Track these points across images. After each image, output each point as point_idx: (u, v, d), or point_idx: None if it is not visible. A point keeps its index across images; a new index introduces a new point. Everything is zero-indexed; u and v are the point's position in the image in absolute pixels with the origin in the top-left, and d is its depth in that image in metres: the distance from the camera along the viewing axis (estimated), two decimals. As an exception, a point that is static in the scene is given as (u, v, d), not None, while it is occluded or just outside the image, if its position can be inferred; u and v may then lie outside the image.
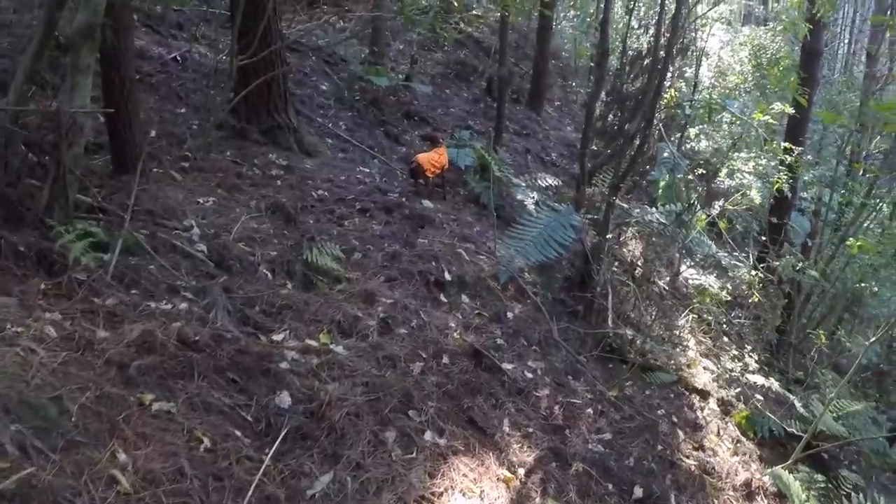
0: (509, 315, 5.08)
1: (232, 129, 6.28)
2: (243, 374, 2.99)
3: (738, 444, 5.55)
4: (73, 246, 3.20)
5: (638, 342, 5.86)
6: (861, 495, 4.93)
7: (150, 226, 4.06)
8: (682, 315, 6.86)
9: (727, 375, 6.25)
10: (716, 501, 4.52)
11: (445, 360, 4.03)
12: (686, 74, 10.13)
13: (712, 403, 5.88)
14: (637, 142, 6.36)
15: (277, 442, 2.70)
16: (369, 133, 7.96)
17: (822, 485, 4.91)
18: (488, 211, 6.55)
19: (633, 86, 8.44)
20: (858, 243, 6.17)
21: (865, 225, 8.32)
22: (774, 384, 5.68)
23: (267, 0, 5.88)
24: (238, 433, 2.66)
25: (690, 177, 8.39)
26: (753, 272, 6.94)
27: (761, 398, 5.79)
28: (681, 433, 5.05)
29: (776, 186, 6.93)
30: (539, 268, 5.98)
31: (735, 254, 7.69)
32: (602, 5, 10.32)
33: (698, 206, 6.89)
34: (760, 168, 7.34)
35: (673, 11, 6.18)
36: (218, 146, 5.90)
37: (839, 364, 8.06)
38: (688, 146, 9.72)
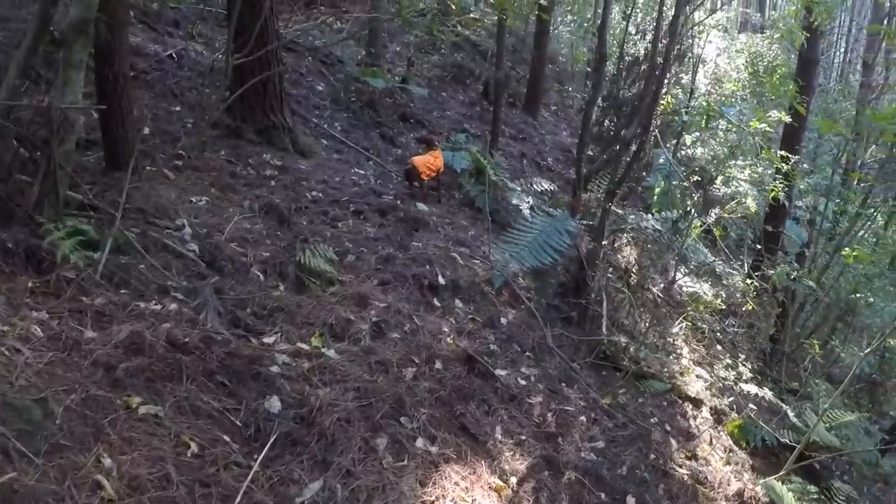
0: (503, 320, 5.04)
1: (227, 129, 6.23)
2: (233, 378, 2.95)
3: (731, 454, 5.54)
4: (61, 244, 3.14)
5: (632, 350, 5.84)
6: (854, 507, 4.92)
7: (142, 224, 4.00)
8: (676, 323, 6.84)
9: (720, 384, 6.24)
10: (708, 511, 4.50)
11: (438, 365, 3.99)
12: (682, 81, 10.13)
13: (705, 412, 5.86)
14: (633, 148, 6.34)
15: (266, 448, 2.65)
16: (364, 135, 7.92)
17: (815, 496, 4.90)
18: (483, 215, 6.52)
19: (629, 91, 8.44)
20: (854, 253, 6.17)
21: (860, 234, 8.32)
22: (768, 394, 5.66)
23: (264, -1, 5.85)
24: (226, 438, 2.61)
25: (686, 184, 8.39)
26: (748, 280, 6.93)
27: (755, 408, 5.77)
28: (674, 442, 5.03)
29: (772, 195, 6.93)
30: (533, 273, 5.95)
31: (730, 262, 7.69)
32: (600, 11, 10.32)
33: (694, 214, 6.88)
34: (756, 176, 7.34)
35: (670, 18, 6.18)
36: (212, 145, 5.85)
37: (832, 374, 8.06)
38: (683, 153, 9.72)
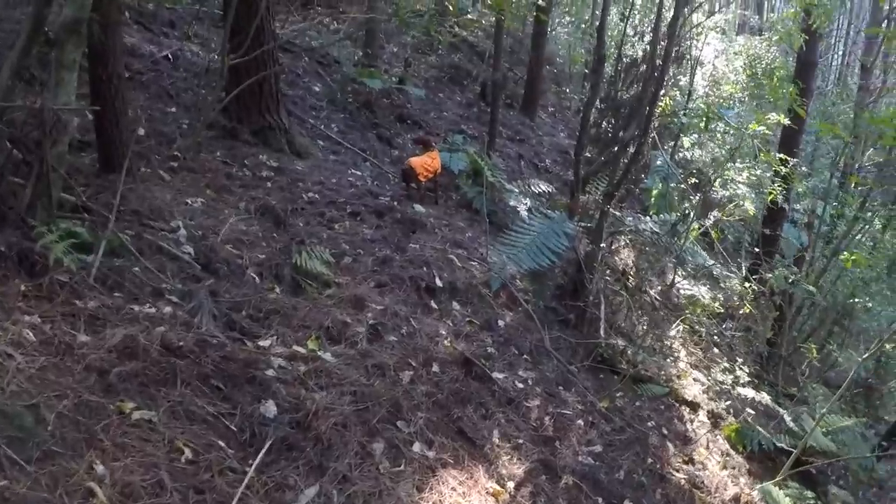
0: (500, 323, 5.02)
1: (222, 129, 6.19)
2: (228, 382, 2.91)
3: (727, 458, 5.52)
4: (54, 246, 3.10)
5: (629, 353, 5.82)
6: (851, 513, 4.92)
7: (136, 226, 3.96)
8: (674, 326, 6.83)
9: (718, 388, 6.23)
10: (705, 516, 4.48)
11: (435, 368, 3.96)
12: (680, 83, 10.12)
13: (702, 415, 5.85)
14: (632, 149, 6.33)
15: (262, 453, 2.62)
16: (361, 136, 7.89)
17: (812, 501, 4.89)
18: (480, 216, 6.50)
19: (627, 93, 8.43)
20: (853, 257, 6.16)
21: (858, 238, 8.32)
22: (765, 398, 5.65)
23: (260, -1, 5.81)
24: (221, 443, 2.57)
25: (683, 186, 8.38)
26: (746, 284, 6.92)
27: (752, 412, 5.76)
28: (671, 446, 5.01)
29: (770, 197, 6.91)
30: (531, 275, 5.93)
31: (727, 265, 7.68)
32: (598, 12, 10.31)
33: (693, 216, 6.87)
34: (754, 178, 7.33)
35: (669, 19, 6.16)
36: (208, 146, 5.81)
37: (828, 378, 8.07)
38: (680, 155, 9.71)
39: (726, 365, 6.57)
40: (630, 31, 10.10)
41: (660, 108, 7.45)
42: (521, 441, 3.86)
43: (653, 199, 8.77)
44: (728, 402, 6.08)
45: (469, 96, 10.82)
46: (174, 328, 3.06)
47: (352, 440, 2.92)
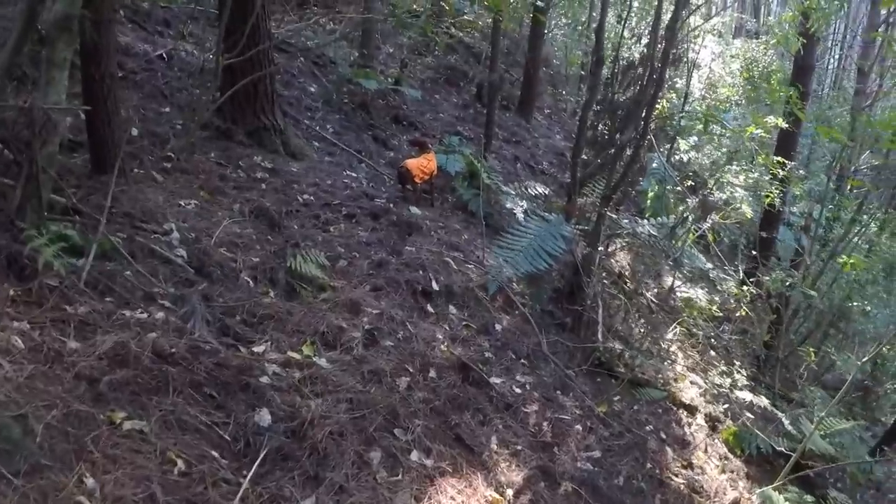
0: (497, 327, 4.97)
1: (217, 130, 6.12)
2: (221, 390, 2.85)
3: (726, 462, 5.50)
4: (44, 250, 3.03)
5: (627, 356, 5.78)
6: (851, 517, 4.89)
7: (128, 229, 3.88)
8: (671, 329, 6.80)
9: (715, 391, 6.20)
10: (705, 522, 4.45)
11: (432, 374, 3.91)
12: (677, 85, 10.10)
13: (700, 419, 5.82)
14: (629, 152, 6.29)
15: (256, 464, 2.56)
16: (357, 137, 7.83)
17: (812, 505, 4.86)
18: (477, 219, 6.45)
19: (624, 95, 8.39)
20: (851, 261, 6.14)
21: (854, 241, 8.32)
22: (764, 402, 5.62)
23: (255, -2, 5.74)
24: (215, 454, 2.51)
25: (679, 188, 8.35)
26: (743, 287, 6.90)
27: (751, 416, 5.73)
28: (669, 450, 4.98)
29: (767, 200, 6.89)
30: (528, 278, 5.88)
31: (724, 267, 7.65)
32: (596, 13, 10.28)
33: (692, 219, 6.84)
34: (751, 181, 7.31)
35: (667, 21, 6.13)
36: (202, 147, 5.73)
37: (824, 380, 8.06)
38: (676, 157, 9.68)
39: (724, 368, 6.54)
40: (627, 34, 10.08)
41: (657, 111, 7.42)
42: (519, 447, 3.82)
43: (649, 202, 8.75)
44: (726, 406, 6.05)
45: (465, 98, 10.77)
46: (166, 334, 2.99)
47: (348, 449, 2.86)
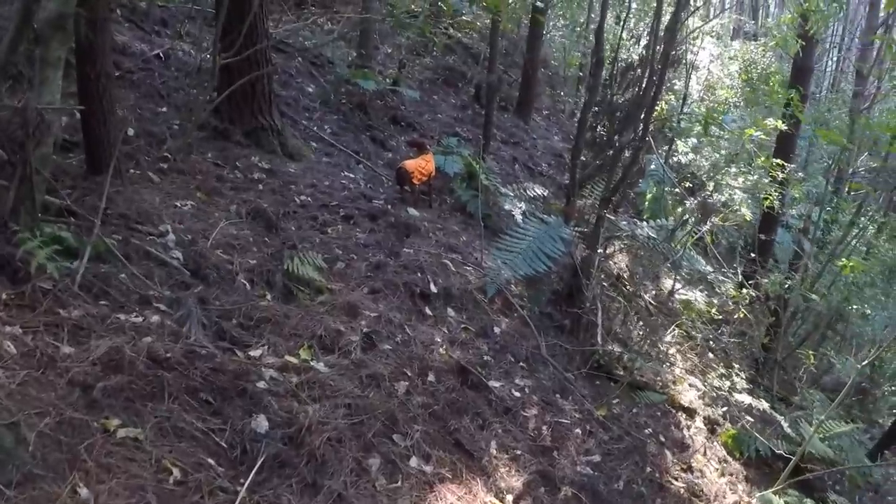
0: (496, 330, 4.94)
1: (214, 130, 6.07)
2: (217, 395, 2.80)
3: (725, 465, 5.48)
4: (37, 252, 2.97)
5: (626, 359, 5.75)
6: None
7: (123, 230, 3.84)
8: (669, 331, 6.78)
9: (714, 393, 6.18)
10: (705, 527, 4.43)
11: (431, 377, 3.88)
12: (675, 87, 10.08)
13: (699, 422, 5.80)
14: (628, 154, 6.26)
15: (254, 471, 2.51)
16: (355, 137, 7.78)
17: (812, 510, 4.83)
18: (475, 220, 6.41)
19: (623, 97, 8.36)
20: (851, 264, 6.12)
21: (853, 243, 8.31)
22: (764, 404, 5.61)
23: (253, -3, 5.69)
24: (211, 461, 2.46)
25: (678, 190, 8.33)
26: (742, 289, 6.88)
27: (751, 419, 5.72)
28: (669, 454, 4.96)
29: (767, 203, 6.87)
30: (527, 281, 5.85)
31: (723, 270, 7.64)
32: (594, 15, 10.25)
33: (693, 222, 6.82)
34: (749, 183, 7.29)
35: (667, 22, 6.10)
36: (199, 147, 5.68)
37: (822, 382, 8.04)
38: (674, 159, 9.66)
39: (723, 371, 6.52)
40: (625, 35, 10.04)
41: (655, 112, 7.39)
42: (518, 452, 3.79)
43: (647, 203, 8.72)
44: (725, 409, 6.03)
45: (463, 98, 10.72)
46: (162, 338, 2.95)
47: (347, 456, 2.82)
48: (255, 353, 3.31)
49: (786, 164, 6.89)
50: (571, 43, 13.93)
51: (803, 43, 7.60)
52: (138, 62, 6.59)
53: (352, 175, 6.68)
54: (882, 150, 8.03)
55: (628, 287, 7.26)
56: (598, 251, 6.02)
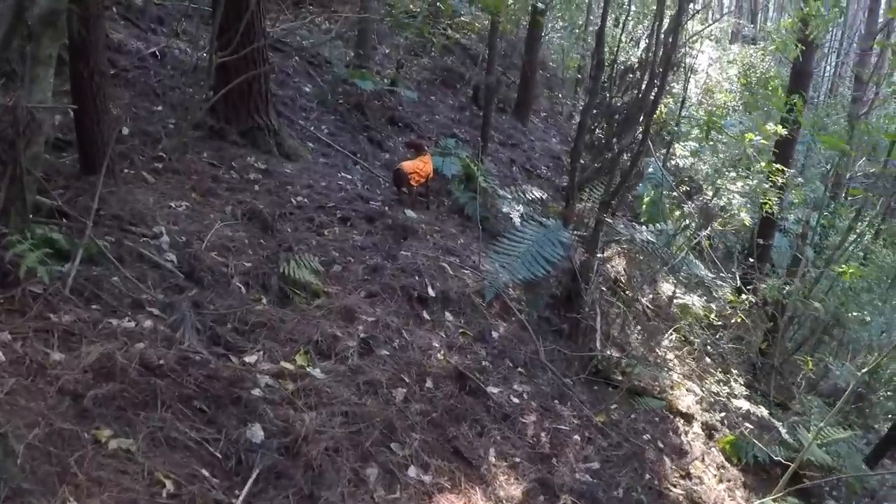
0: (494, 334, 4.88)
1: (210, 130, 5.99)
2: (212, 403, 2.73)
3: (723, 471, 5.45)
4: (27, 255, 2.90)
5: (624, 364, 5.71)
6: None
7: (116, 232, 3.76)
8: (666, 336, 6.74)
9: (712, 399, 6.15)
10: (705, 535, 4.39)
11: (429, 384, 3.82)
12: (674, 90, 10.05)
13: (696, 427, 5.77)
14: (627, 157, 6.22)
15: (249, 483, 2.45)
16: (352, 138, 7.71)
17: (811, 517, 4.80)
18: (473, 223, 6.36)
19: (622, 99, 8.31)
20: (851, 270, 6.10)
21: (850, 249, 8.29)
22: (762, 411, 5.57)
23: (250, -4, 5.62)
24: (205, 473, 2.40)
25: (675, 193, 8.29)
26: (740, 294, 6.85)
27: (749, 426, 5.68)
28: (667, 460, 4.92)
29: (766, 207, 6.84)
30: (525, 285, 5.80)
31: (721, 274, 7.60)
32: (593, 17, 10.21)
33: (694, 227, 6.78)
34: (748, 188, 7.26)
35: (668, 25, 6.06)
36: (194, 147, 5.61)
37: (819, 389, 8.02)
38: (672, 163, 9.63)
39: (720, 376, 6.49)
40: (624, 38, 10.01)
41: (655, 116, 7.34)
42: (517, 459, 3.73)
43: (644, 207, 8.68)
44: (723, 414, 6.00)
45: (461, 99, 10.67)
46: (154, 344, 2.88)
47: (344, 466, 2.76)
48: (250, 359, 3.24)
49: (785, 168, 6.86)
50: (570, 45, 13.89)
51: (803, 47, 7.59)
52: (134, 60, 6.51)
53: (349, 176, 6.61)
54: (880, 156, 8.01)
55: (626, 291, 7.22)
56: (598, 255, 5.97)
